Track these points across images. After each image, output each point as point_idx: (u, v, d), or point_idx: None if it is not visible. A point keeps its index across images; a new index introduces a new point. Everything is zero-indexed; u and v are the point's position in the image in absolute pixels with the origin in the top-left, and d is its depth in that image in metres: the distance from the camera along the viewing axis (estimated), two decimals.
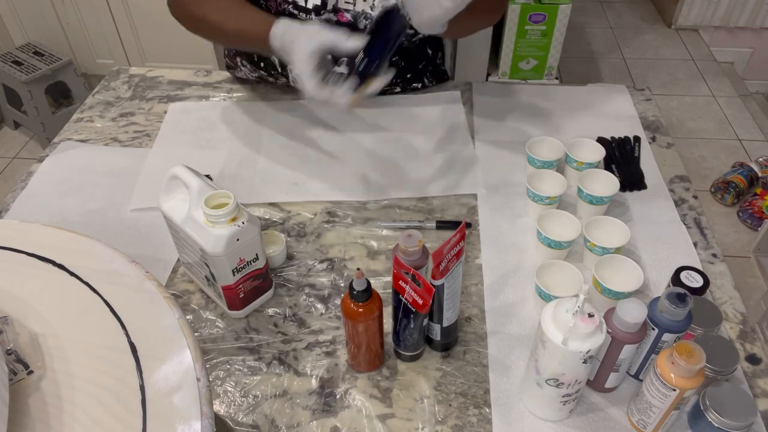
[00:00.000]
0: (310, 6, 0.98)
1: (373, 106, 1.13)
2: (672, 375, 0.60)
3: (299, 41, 0.79)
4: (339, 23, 1.00)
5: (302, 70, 0.78)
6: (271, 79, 1.17)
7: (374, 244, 0.90)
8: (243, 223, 0.70)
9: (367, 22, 1.01)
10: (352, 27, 1.01)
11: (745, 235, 2.12)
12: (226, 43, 0.95)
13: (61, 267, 0.55)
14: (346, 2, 0.98)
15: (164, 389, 0.46)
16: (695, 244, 0.89)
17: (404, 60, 1.11)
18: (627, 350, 0.65)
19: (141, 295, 0.52)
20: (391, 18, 0.78)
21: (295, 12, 0.99)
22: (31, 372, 0.47)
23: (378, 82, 0.79)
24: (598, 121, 1.11)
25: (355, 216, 0.94)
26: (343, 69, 0.79)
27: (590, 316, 0.58)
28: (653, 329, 0.66)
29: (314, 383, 0.73)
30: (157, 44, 2.42)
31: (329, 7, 0.98)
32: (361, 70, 0.78)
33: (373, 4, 0.99)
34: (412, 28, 1.02)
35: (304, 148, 1.06)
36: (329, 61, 0.81)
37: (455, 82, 1.22)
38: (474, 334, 0.78)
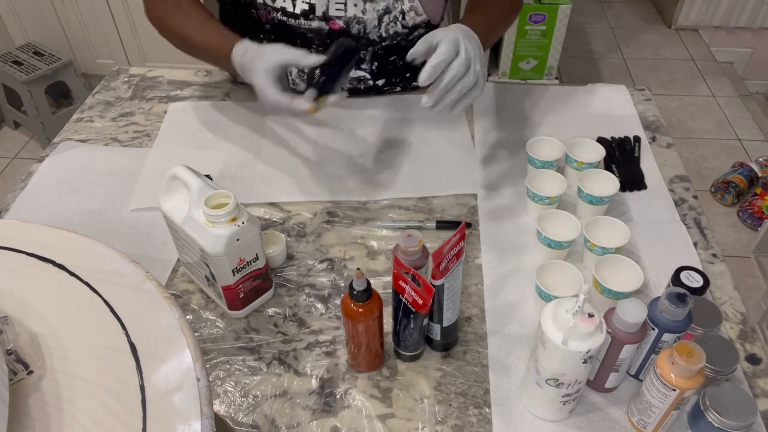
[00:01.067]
0: (298, 11, 0.98)
1: (374, 107, 1.13)
2: (672, 375, 0.60)
3: (260, 57, 0.85)
4: (331, 31, 1.01)
5: (263, 81, 0.83)
6: None
7: (374, 244, 0.90)
8: (243, 223, 0.71)
9: (360, 27, 1.01)
10: (345, 33, 1.02)
11: (745, 235, 2.12)
12: (193, 54, 1.00)
13: (61, 267, 0.55)
14: (337, 9, 0.99)
15: (164, 389, 0.46)
16: (695, 244, 0.89)
17: (402, 59, 1.11)
18: (627, 350, 0.65)
19: (141, 295, 0.52)
20: (348, 53, 0.84)
21: (285, 18, 1.00)
22: (31, 372, 0.47)
23: (333, 98, 0.83)
24: (598, 121, 1.11)
25: (355, 216, 0.94)
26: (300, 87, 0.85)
27: (590, 316, 0.58)
28: (653, 329, 0.66)
29: (314, 383, 0.73)
30: (157, 44, 2.41)
31: (318, 12, 0.99)
32: (320, 86, 0.81)
33: (365, 9, 0.99)
34: (405, 27, 1.03)
35: (304, 148, 1.06)
36: (286, 79, 0.87)
37: None
38: (474, 334, 0.78)
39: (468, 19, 0.89)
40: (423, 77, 0.78)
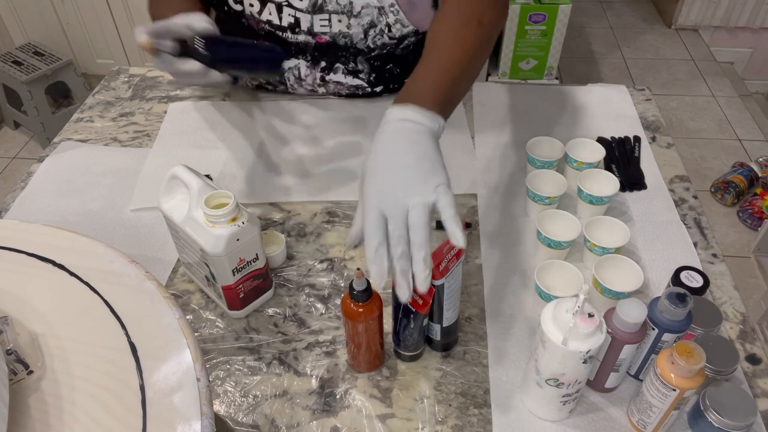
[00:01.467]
0: (285, 24, 0.99)
1: (374, 108, 1.13)
2: (672, 375, 0.60)
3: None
4: (318, 44, 1.02)
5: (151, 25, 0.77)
6: (269, 86, 1.17)
7: None
8: (243, 223, 0.71)
9: (347, 40, 1.01)
10: (332, 46, 1.02)
11: (745, 235, 2.12)
12: None
13: (61, 267, 0.55)
14: (321, 26, 0.99)
15: (164, 389, 0.46)
16: (695, 244, 0.89)
17: (399, 67, 1.11)
18: (627, 350, 0.65)
19: (141, 295, 0.52)
20: (265, 56, 0.80)
21: (272, 30, 1.00)
22: (31, 372, 0.47)
23: (197, 66, 0.76)
24: (598, 121, 1.11)
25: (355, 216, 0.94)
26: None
27: (590, 316, 0.58)
28: (653, 329, 0.66)
29: (314, 383, 0.73)
30: None
31: (303, 28, 0.99)
32: (193, 54, 0.76)
33: (349, 24, 0.99)
34: (393, 38, 1.03)
35: (304, 148, 1.06)
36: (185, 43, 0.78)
37: None
38: (474, 334, 0.78)
39: (418, 80, 0.74)
40: (374, 283, 0.59)
